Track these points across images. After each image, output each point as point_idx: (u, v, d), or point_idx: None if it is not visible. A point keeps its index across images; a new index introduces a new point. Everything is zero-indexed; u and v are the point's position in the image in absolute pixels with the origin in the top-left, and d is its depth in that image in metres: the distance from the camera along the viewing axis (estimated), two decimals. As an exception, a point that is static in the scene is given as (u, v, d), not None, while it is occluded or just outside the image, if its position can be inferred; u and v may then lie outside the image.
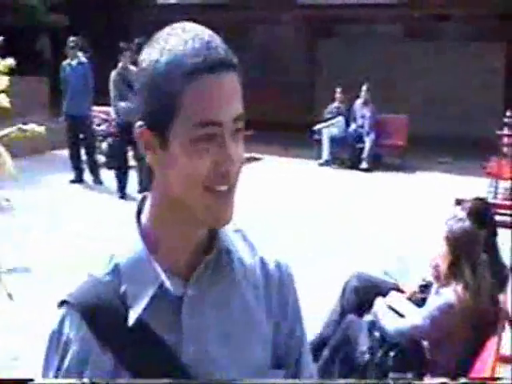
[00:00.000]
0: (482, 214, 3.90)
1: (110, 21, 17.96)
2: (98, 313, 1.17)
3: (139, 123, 1.17)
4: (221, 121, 1.11)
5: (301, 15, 17.10)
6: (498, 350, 3.32)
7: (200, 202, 1.14)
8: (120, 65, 9.87)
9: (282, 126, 16.14)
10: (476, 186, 11.02)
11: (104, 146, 12.29)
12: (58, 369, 1.19)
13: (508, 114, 13.12)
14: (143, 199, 1.27)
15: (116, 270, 1.21)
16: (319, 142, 14.09)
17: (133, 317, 1.16)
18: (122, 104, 9.55)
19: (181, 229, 1.19)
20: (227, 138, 1.12)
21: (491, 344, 3.28)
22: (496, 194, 10.81)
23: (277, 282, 1.31)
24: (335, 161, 13.78)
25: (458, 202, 4.66)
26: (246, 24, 18.44)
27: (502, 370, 4.01)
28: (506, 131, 11.96)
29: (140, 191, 9.73)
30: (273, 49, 18.25)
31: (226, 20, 17.91)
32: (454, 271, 3.63)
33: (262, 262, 1.30)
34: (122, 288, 1.19)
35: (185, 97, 1.10)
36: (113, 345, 1.16)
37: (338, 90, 14.22)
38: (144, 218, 1.24)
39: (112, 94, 9.87)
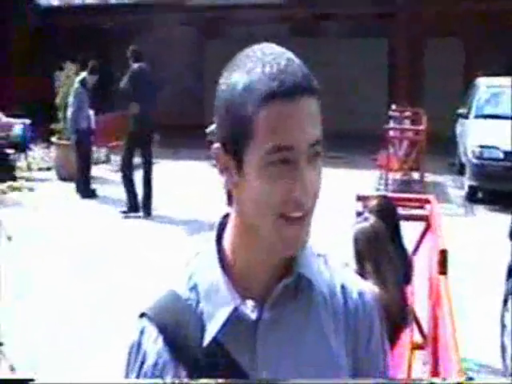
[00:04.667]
0: (384, 211, 4.04)
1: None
2: (176, 329, 1.18)
3: (216, 145, 1.16)
4: (292, 145, 1.09)
5: (188, 17, 17.06)
6: (411, 338, 3.49)
7: (272, 228, 1.12)
8: (83, 75, 10.75)
9: (174, 128, 16.08)
10: (367, 179, 11.44)
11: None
12: (138, 376, 1.20)
13: (393, 107, 13.69)
14: (224, 217, 1.25)
15: (195, 288, 1.21)
16: (211, 142, 14.09)
17: (208, 337, 1.16)
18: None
19: (257, 253, 1.18)
20: (301, 164, 1.10)
21: (404, 334, 3.44)
22: (386, 185, 11.26)
23: (359, 312, 1.24)
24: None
25: (359, 198, 4.80)
26: (134, 26, 18.21)
27: (416, 357, 4.22)
28: (391, 124, 12.47)
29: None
30: (162, 50, 18.09)
31: (114, 23, 17.67)
32: (362, 269, 3.76)
33: (344, 290, 1.25)
34: (200, 307, 1.19)
35: (258, 121, 1.09)
36: (187, 362, 1.16)
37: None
38: (224, 238, 1.23)
39: (72, 103, 10.60)
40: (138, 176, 9.65)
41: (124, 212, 9.61)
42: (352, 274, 1.33)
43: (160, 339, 1.18)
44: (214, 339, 1.16)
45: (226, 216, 1.24)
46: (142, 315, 1.23)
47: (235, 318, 1.16)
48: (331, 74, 17.32)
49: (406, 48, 15.84)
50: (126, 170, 9.63)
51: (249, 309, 1.17)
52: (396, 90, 15.75)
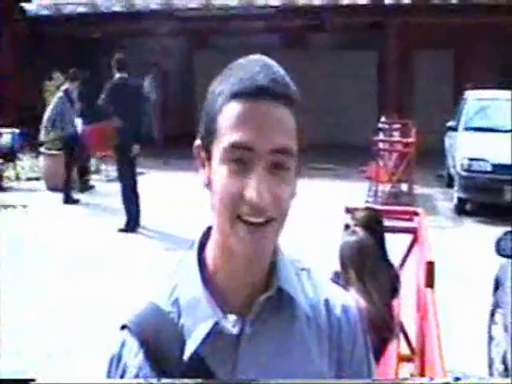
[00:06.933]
0: (371, 224, 4.04)
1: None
2: (156, 343, 1.17)
3: (197, 143, 1.19)
4: (251, 147, 1.09)
5: (178, 27, 17.05)
6: (398, 350, 3.49)
7: (233, 232, 1.11)
8: (66, 86, 11.09)
9: (163, 138, 16.08)
10: (357, 191, 11.45)
11: None
12: None
13: (382, 119, 13.73)
14: (208, 230, 1.24)
15: (177, 302, 1.20)
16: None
17: (188, 351, 1.15)
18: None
19: (234, 266, 1.16)
20: (258, 167, 1.09)
21: (391, 346, 3.44)
22: (375, 197, 11.27)
23: (343, 327, 1.24)
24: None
25: (348, 211, 4.79)
26: (124, 35, 18.20)
27: (403, 369, 4.21)
28: (380, 136, 12.50)
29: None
30: (151, 60, 18.06)
31: (104, 32, 17.65)
32: (348, 280, 3.76)
33: (327, 305, 1.24)
34: (181, 321, 1.18)
35: (221, 118, 1.11)
36: (167, 376, 1.15)
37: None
38: (206, 250, 1.23)
39: (52, 110, 10.79)
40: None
41: (121, 230, 9.21)
42: (336, 288, 1.31)
43: (141, 353, 1.17)
44: (195, 353, 1.15)
45: (210, 229, 1.24)
46: (123, 327, 1.21)
47: (216, 332, 1.15)
48: (321, 85, 17.38)
49: (395, 60, 15.90)
50: (125, 182, 9.35)
51: (230, 323, 1.16)
52: (385, 102, 15.80)
